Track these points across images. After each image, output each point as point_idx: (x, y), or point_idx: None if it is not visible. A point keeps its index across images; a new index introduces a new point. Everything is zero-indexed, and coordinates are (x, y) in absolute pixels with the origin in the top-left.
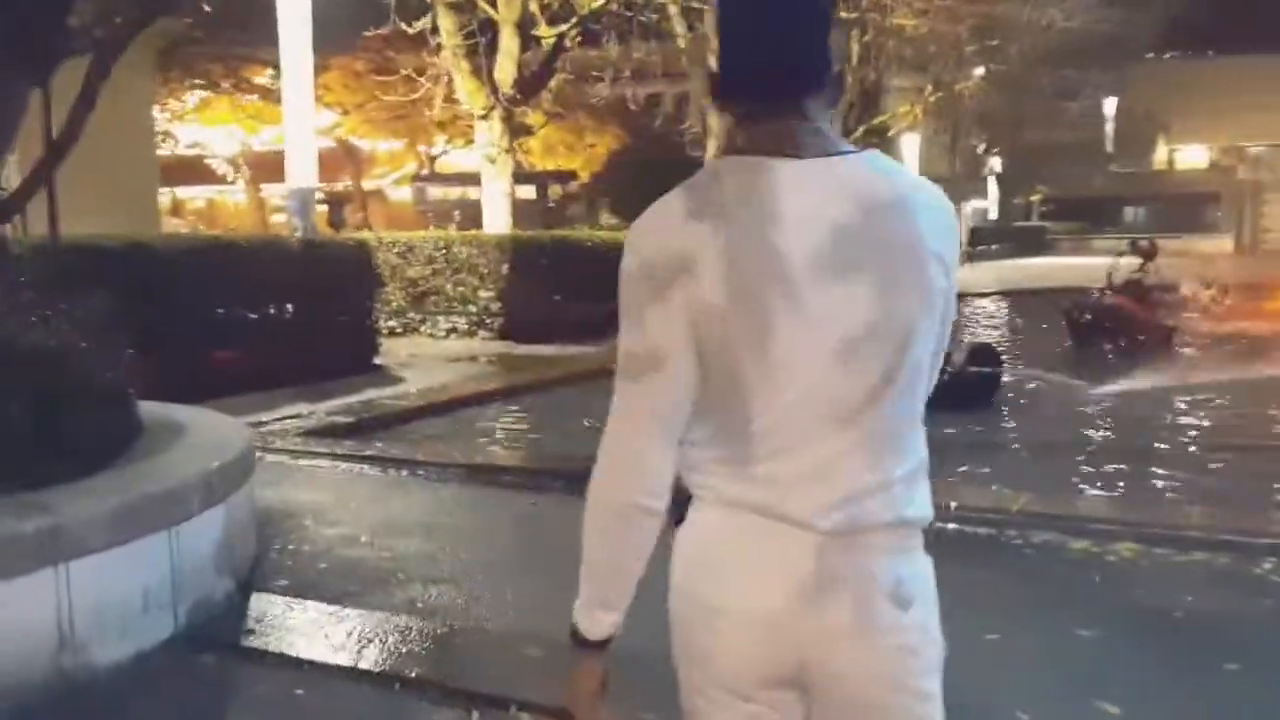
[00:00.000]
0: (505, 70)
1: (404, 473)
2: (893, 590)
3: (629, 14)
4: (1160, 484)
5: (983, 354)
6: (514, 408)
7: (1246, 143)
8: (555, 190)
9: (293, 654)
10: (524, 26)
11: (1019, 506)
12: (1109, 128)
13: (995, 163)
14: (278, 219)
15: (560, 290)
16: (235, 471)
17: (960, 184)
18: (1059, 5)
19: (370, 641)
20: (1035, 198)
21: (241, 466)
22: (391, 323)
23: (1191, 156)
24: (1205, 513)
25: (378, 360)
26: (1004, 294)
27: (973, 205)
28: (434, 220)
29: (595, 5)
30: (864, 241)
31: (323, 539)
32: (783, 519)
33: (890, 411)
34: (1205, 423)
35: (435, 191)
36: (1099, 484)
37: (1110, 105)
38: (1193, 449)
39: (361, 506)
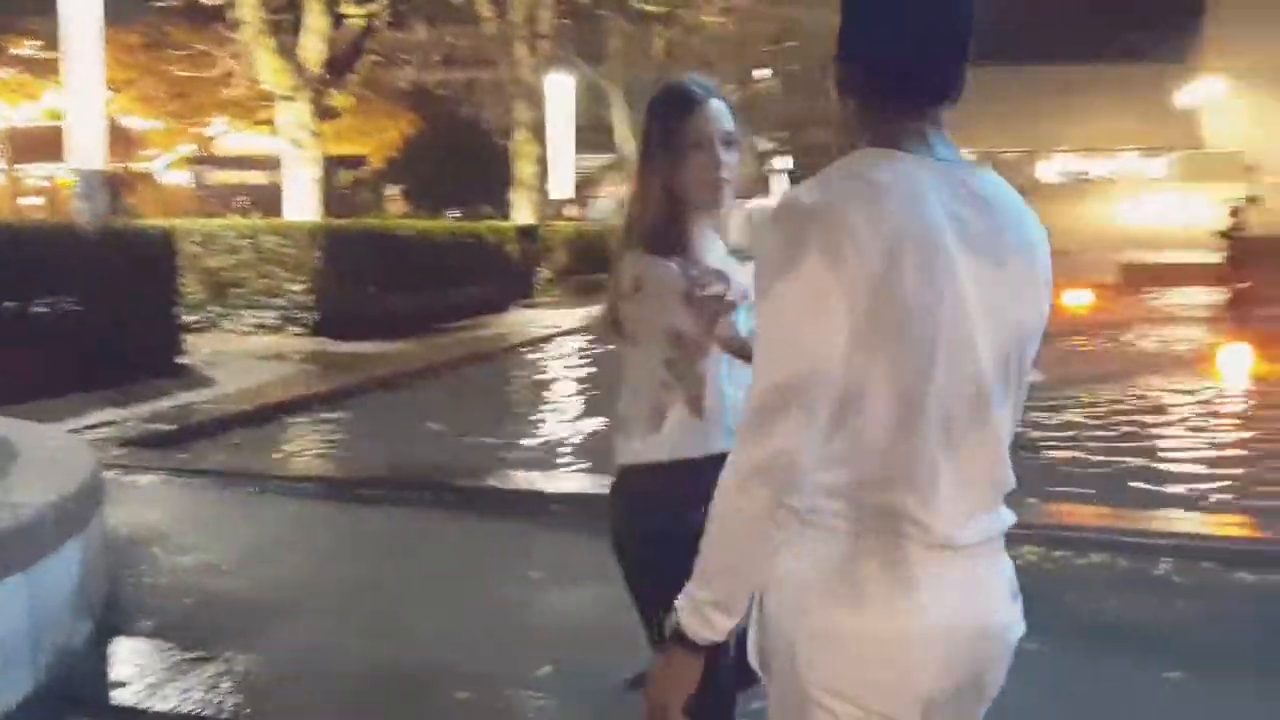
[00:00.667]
0: (312, 50)
1: (249, 489)
2: (1012, 588)
3: None
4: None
5: None
6: (345, 412)
7: (1003, 148)
8: (345, 176)
9: (170, 710)
10: (332, 4)
11: None
12: None
13: (780, 162)
14: (30, 201)
15: (375, 283)
16: (89, 496)
17: (748, 182)
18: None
19: (261, 692)
20: None
21: (93, 489)
22: (190, 317)
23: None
24: (1101, 513)
25: (182, 359)
26: None
27: (757, 204)
28: (217, 207)
29: None
30: (1005, 252)
31: (179, 569)
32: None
33: (1011, 420)
34: (1053, 419)
35: (216, 176)
36: None
37: None
38: (1051, 446)
39: (211, 528)
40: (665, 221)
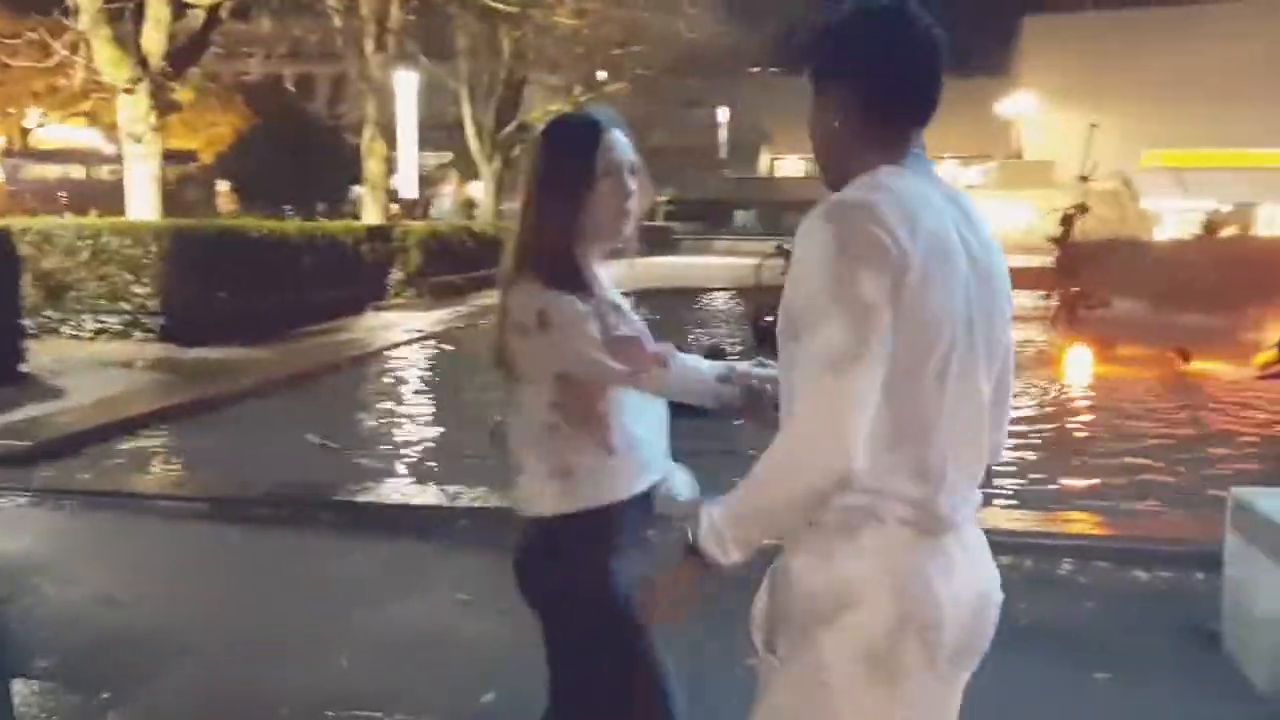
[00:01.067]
0: (154, 40)
1: (125, 510)
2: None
3: None
4: None
5: (716, 355)
6: (214, 424)
7: None
8: (171, 172)
9: None
10: None
11: None
12: (722, 135)
13: None
14: None
15: (226, 286)
16: None
17: None
18: (685, 17)
19: None
20: (660, 198)
21: None
22: (24, 322)
23: (789, 166)
24: (1006, 515)
25: (25, 368)
26: (660, 291)
27: None
28: (36, 203)
29: None
30: (992, 270)
31: (71, 602)
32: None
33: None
34: None
35: (32, 170)
36: None
37: (724, 114)
38: None
39: (96, 555)
40: (566, 254)
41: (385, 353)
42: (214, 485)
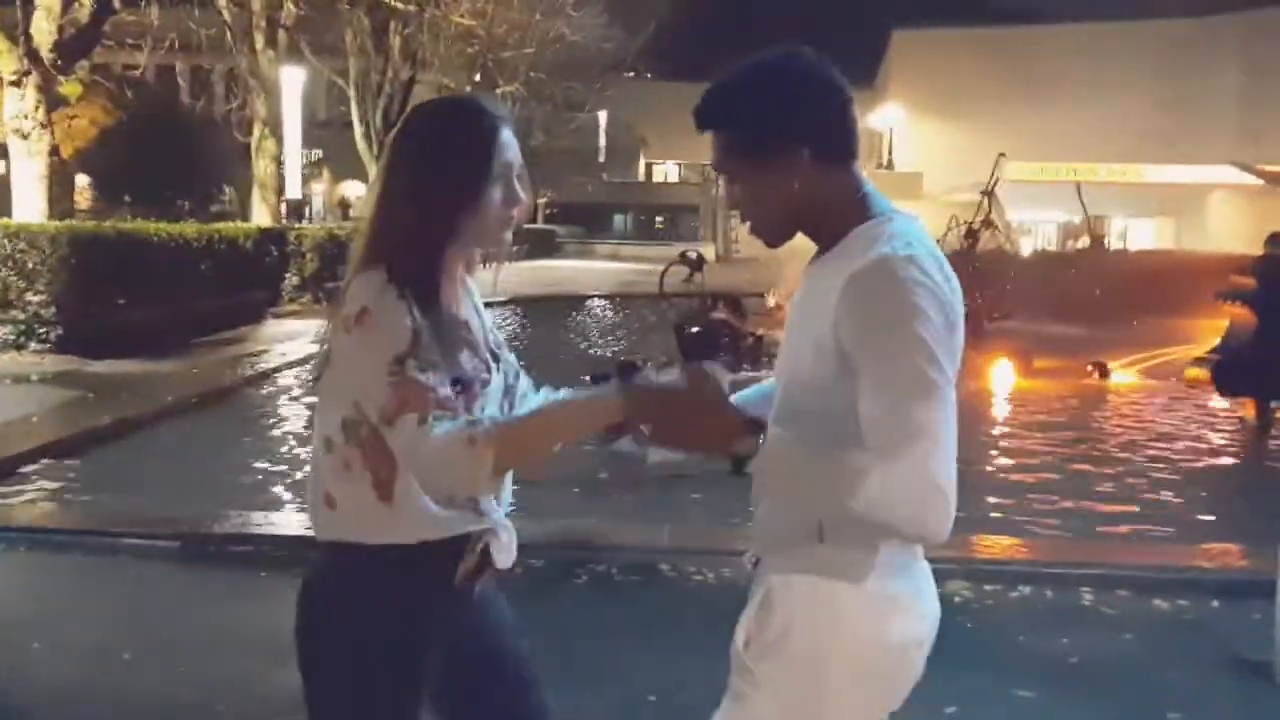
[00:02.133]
0: (44, 30)
1: (77, 550)
2: None
3: None
4: None
5: (630, 373)
6: (142, 447)
7: (706, 161)
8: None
9: None
10: None
11: None
12: (602, 139)
13: None
14: None
15: (125, 293)
16: None
17: None
18: (568, 20)
19: None
20: (541, 201)
21: None
22: None
23: (665, 170)
24: (1019, 545)
25: None
26: (551, 299)
27: None
28: None
29: None
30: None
31: (31, 655)
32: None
33: None
34: None
35: None
36: None
37: (603, 118)
38: None
39: (52, 601)
40: (430, 257)
41: (301, 365)
42: (166, 517)
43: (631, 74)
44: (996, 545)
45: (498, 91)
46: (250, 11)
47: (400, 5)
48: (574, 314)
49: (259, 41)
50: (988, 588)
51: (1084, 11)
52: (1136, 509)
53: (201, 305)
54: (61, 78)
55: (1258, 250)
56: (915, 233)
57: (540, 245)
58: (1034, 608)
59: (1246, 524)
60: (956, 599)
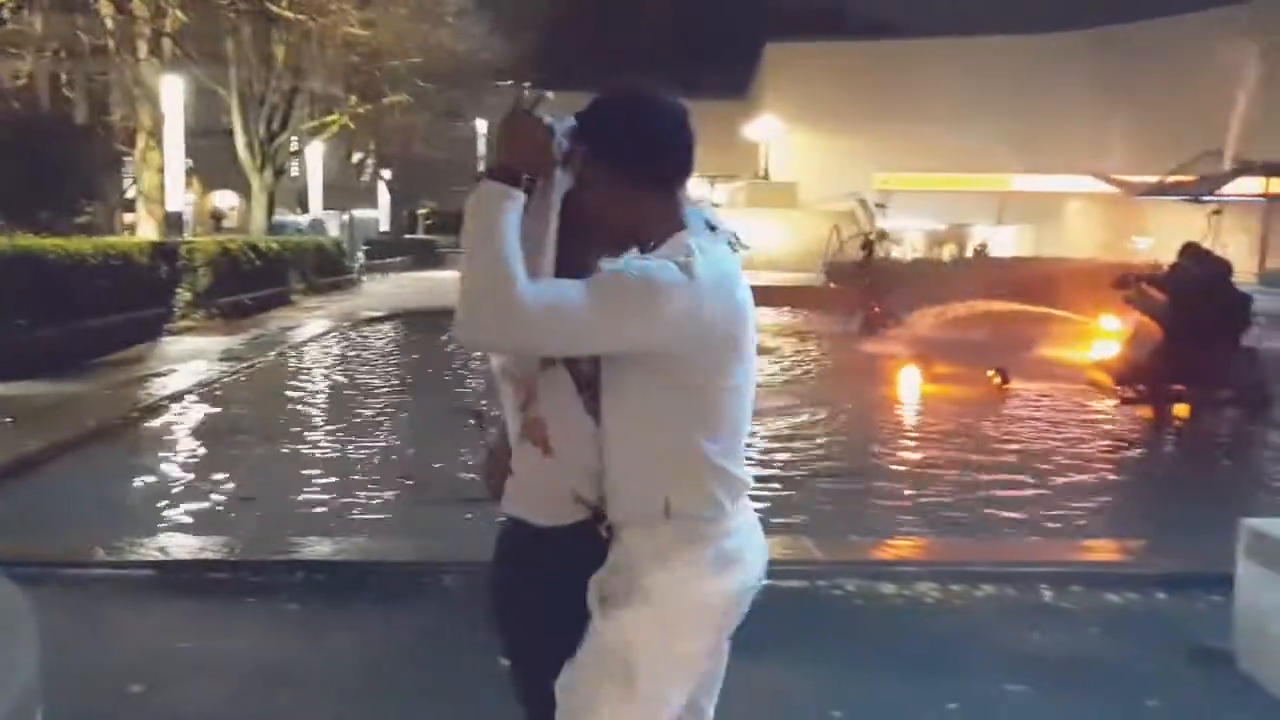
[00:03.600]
0: None
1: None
2: None
3: None
4: (830, 508)
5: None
6: (71, 473)
7: None
8: None
9: None
10: None
11: (821, 555)
12: (481, 148)
13: (382, 174)
14: None
15: (22, 312)
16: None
17: (354, 194)
18: (449, 29)
19: None
20: (421, 211)
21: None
22: None
23: None
24: (981, 545)
25: None
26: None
27: (360, 215)
28: None
29: None
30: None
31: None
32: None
33: None
34: (804, 452)
35: None
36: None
37: (482, 126)
38: (815, 477)
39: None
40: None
41: (211, 386)
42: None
43: (510, 82)
44: (961, 547)
45: (384, 101)
46: (134, 18)
47: (287, 14)
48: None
49: (142, 50)
50: (954, 587)
51: (944, 27)
52: (1064, 509)
53: (97, 323)
54: None
55: (1113, 254)
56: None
57: (423, 256)
58: (1003, 606)
59: (1173, 516)
60: (927, 600)
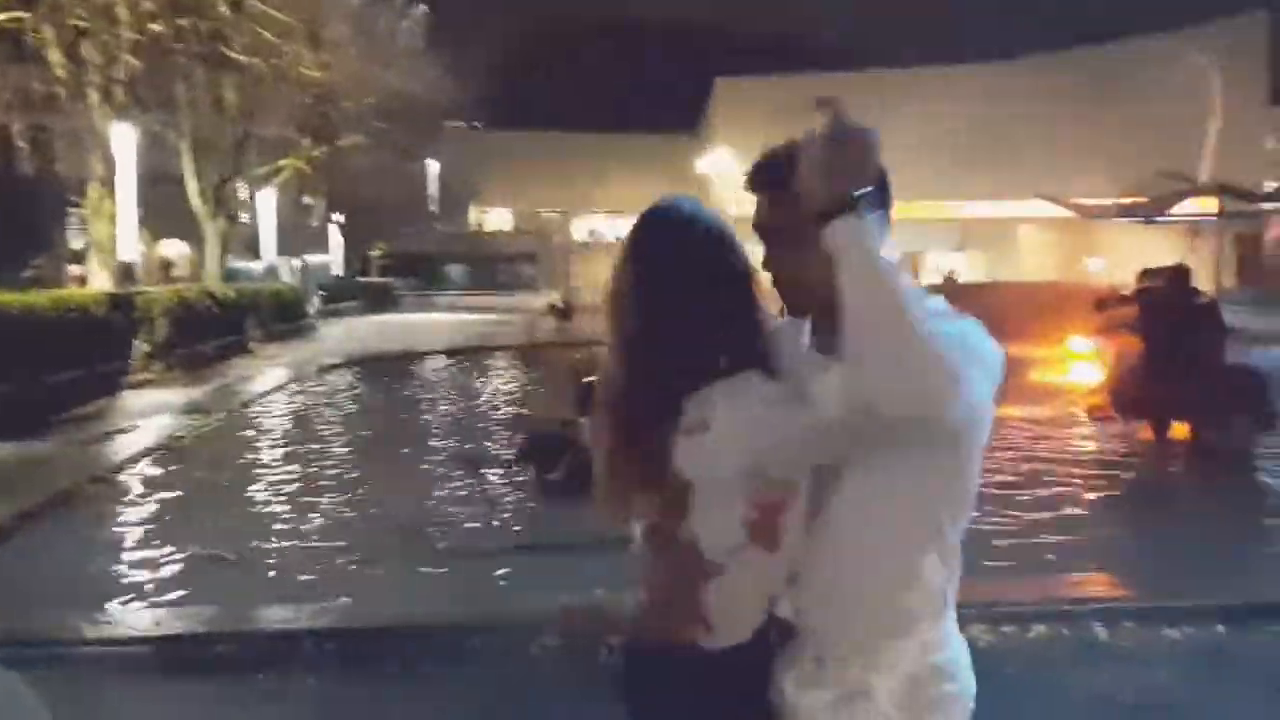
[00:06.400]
0: None
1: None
2: None
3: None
4: None
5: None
6: (51, 539)
7: (541, 208)
8: None
9: None
10: None
11: None
12: (433, 188)
13: (333, 217)
14: None
15: None
16: None
17: (306, 238)
18: (400, 70)
19: None
20: (374, 253)
21: None
22: None
23: (497, 219)
24: (1032, 585)
25: None
26: (448, 353)
27: (312, 259)
28: None
29: None
30: None
31: None
32: None
33: None
34: None
35: None
36: None
37: (435, 167)
38: None
39: None
40: None
41: (183, 440)
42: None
43: (461, 124)
44: (1006, 586)
45: (340, 144)
46: (87, 66)
47: (240, 57)
48: (464, 371)
49: (94, 98)
50: (1005, 629)
51: (900, 58)
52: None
53: (55, 379)
54: None
55: (1067, 277)
56: None
57: (377, 299)
58: (1052, 646)
59: (1209, 546)
60: (980, 643)
